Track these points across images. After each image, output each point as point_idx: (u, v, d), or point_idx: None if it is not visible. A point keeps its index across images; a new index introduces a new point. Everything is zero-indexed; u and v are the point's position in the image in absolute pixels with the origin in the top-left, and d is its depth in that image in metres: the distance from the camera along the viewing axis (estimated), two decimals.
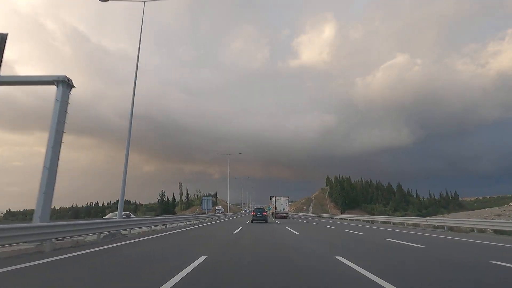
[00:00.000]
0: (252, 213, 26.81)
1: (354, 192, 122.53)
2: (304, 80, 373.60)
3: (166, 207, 76.88)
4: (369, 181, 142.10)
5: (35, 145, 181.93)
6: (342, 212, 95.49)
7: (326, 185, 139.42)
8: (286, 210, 42.11)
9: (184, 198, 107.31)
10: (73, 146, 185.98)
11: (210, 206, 46.40)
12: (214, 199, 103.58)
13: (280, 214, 41.65)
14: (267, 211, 28.12)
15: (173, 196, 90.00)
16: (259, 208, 27.14)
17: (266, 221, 25.77)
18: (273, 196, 59.77)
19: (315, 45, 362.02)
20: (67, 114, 9.84)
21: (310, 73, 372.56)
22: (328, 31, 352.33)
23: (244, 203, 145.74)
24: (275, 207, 42.21)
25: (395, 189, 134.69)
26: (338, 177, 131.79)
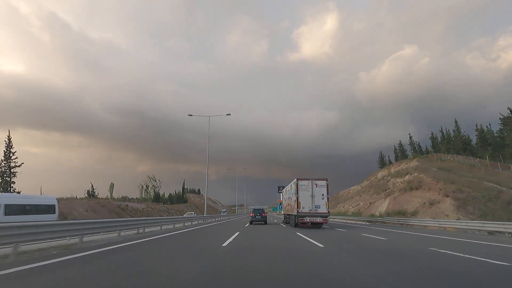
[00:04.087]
0: (251, 214, 26.55)
1: None
2: (305, 74, 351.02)
3: None
4: None
5: (23, 144, 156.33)
6: None
7: (382, 163, 65.50)
8: (324, 208, 18.78)
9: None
10: (66, 145, 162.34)
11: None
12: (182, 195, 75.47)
13: (309, 219, 18.60)
14: (264, 212, 26.30)
15: None
16: (258, 209, 26.53)
17: (265, 222, 25.50)
18: (282, 187, 36.15)
19: (316, 37, 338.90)
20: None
21: (311, 67, 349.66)
22: (330, 22, 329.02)
23: (242, 204, 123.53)
24: (298, 203, 18.91)
25: None
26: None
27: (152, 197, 51.90)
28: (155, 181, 55.53)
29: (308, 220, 18.67)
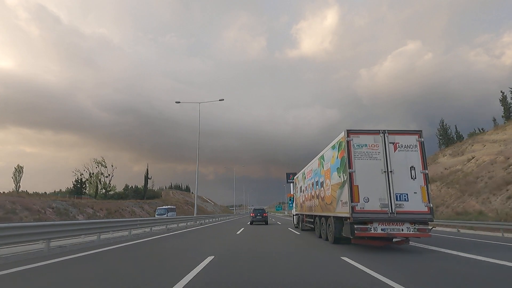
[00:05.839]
0: (251, 214, 25.50)
1: None
2: (304, 71, 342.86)
3: None
4: None
5: (18, 143, 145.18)
6: None
7: None
8: (420, 201, 7.47)
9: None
10: (60, 144, 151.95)
11: None
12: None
13: (383, 228, 7.35)
14: (265, 212, 25.42)
15: None
16: (258, 209, 25.76)
17: (266, 223, 24.55)
18: (294, 174, 24.63)
19: (316, 33, 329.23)
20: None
21: (311, 64, 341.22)
22: (330, 17, 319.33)
23: (241, 205, 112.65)
24: (354, 190, 7.56)
25: None
26: None
27: (94, 190, 40.13)
28: (105, 167, 43.19)
29: (380, 231, 7.44)
